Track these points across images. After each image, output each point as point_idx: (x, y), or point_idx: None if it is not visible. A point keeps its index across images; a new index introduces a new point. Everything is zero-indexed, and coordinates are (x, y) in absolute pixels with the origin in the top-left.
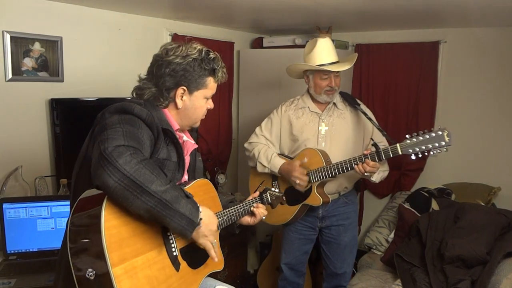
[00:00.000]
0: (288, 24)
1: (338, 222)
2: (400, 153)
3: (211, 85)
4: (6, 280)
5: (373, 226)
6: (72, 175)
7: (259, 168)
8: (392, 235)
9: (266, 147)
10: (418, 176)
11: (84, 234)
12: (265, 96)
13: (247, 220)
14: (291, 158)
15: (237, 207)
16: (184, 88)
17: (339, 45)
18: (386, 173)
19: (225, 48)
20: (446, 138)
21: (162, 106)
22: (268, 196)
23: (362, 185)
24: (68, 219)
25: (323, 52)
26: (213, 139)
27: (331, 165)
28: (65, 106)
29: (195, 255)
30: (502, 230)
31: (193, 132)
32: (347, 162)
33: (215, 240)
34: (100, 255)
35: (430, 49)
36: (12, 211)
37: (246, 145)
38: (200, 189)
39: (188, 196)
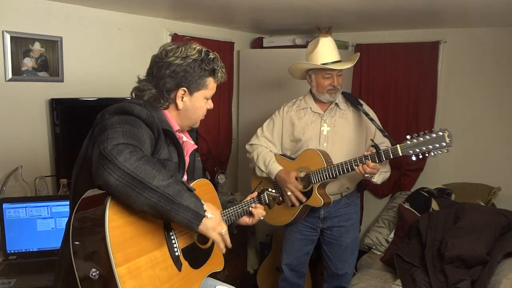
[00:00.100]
0: (288, 24)
1: (340, 223)
2: (401, 154)
3: (211, 85)
4: (6, 280)
5: (373, 226)
6: (72, 175)
7: (258, 172)
8: (392, 235)
9: (265, 150)
10: (418, 176)
11: (87, 234)
12: (265, 96)
13: (245, 220)
14: (292, 159)
15: (236, 208)
16: (185, 89)
17: (339, 45)
18: (388, 174)
19: (225, 48)
20: (447, 139)
21: (162, 108)
22: (266, 197)
23: (363, 185)
24: (69, 219)
25: (326, 51)
26: (213, 139)
27: (332, 166)
28: (65, 106)
29: (196, 255)
30: (502, 230)
31: (192, 132)
32: (348, 163)
33: (224, 229)
34: (104, 255)
35: (430, 49)
36: (12, 211)
37: (247, 146)
38: (200, 189)
39: (190, 190)
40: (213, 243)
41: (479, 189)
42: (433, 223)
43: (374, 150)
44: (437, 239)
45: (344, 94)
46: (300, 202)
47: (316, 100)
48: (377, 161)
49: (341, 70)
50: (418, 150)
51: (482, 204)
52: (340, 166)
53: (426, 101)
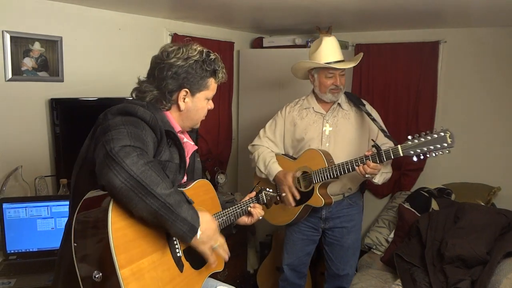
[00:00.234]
0: (288, 24)
1: (342, 224)
2: (401, 154)
3: (212, 86)
4: (6, 280)
5: (373, 226)
6: (71, 175)
7: (257, 172)
8: (392, 235)
9: (266, 151)
10: (418, 176)
11: (89, 236)
12: (265, 96)
13: (244, 220)
14: (294, 159)
15: (235, 208)
16: (187, 90)
17: (339, 45)
18: (389, 175)
19: (225, 48)
20: (449, 140)
21: (164, 109)
22: (264, 196)
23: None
24: (69, 219)
25: (329, 50)
26: (213, 139)
27: (333, 166)
28: (65, 106)
29: (197, 256)
30: (502, 230)
31: (192, 133)
32: (349, 163)
33: (216, 244)
34: (107, 258)
35: (430, 49)
36: (12, 211)
37: (249, 147)
38: (200, 189)
39: (189, 202)
40: None
41: (479, 189)
42: (433, 223)
43: (375, 151)
44: (437, 239)
45: (346, 94)
46: (298, 203)
47: (319, 100)
48: (378, 162)
49: (343, 70)
50: (419, 150)
51: (482, 204)
52: (341, 166)
53: (426, 101)
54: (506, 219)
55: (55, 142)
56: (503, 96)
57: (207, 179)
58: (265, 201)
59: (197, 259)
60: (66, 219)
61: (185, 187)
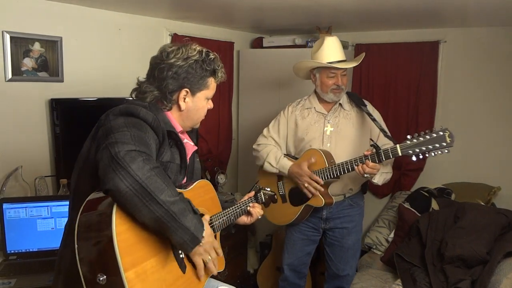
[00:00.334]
0: (288, 24)
1: (342, 225)
2: (400, 154)
3: (212, 85)
4: (6, 280)
5: (373, 226)
6: (71, 175)
7: (267, 167)
8: (392, 235)
9: (275, 149)
10: (418, 176)
11: (93, 238)
12: (265, 96)
13: (243, 219)
14: (296, 159)
15: (235, 207)
16: (187, 90)
17: None
18: (389, 175)
19: (225, 48)
20: (448, 139)
21: (166, 109)
22: (262, 196)
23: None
24: (69, 220)
25: (331, 50)
26: (213, 139)
27: (334, 166)
28: (65, 106)
29: None
30: (502, 230)
31: (193, 133)
32: (348, 163)
33: (210, 257)
34: (111, 260)
35: (430, 49)
36: (12, 211)
37: (254, 146)
38: (201, 190)
39: (195, 212)
40: None
41: (479, 189)
42: (433, 223)
43: (374, 150)
44: (437, 239)
45: (348, 94)
46: (298, 203)
47: (321, 100)
48: (377, 161)
49: (345, 69)
50: (418, 150)
51: (482, 203)
52: (340, 165)
53: (426, 101)
54: (506, 219)
55: (55, 142)
56: (503, 96)
57: (207, 179)
58: (264, 201)
59: None
60: (66, 219)
61: (186, 188)
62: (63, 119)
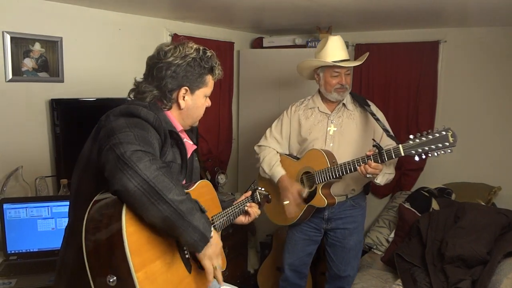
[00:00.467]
0: (288, 24)
1: (344, 226)
2: (403, 154)
3: (210, 82)
4: (7, 280)
5: (374, 226)
6: (72, 176)
7: (261, 173)
8: (392, 235)
9: (272, 153)
10: (418, 176)
11: (102, 239)
12: (265, 96)
13: (241, 219)
14: (298, 159)
15: (233, 207)
16: (186, 88)
17: None
18: (392, 176)
19: (225, 48)
20: (450, 139)
21: (165, 109)
22: (258, 195)
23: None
24: (71, 221)
25: (335, 49)
26: (213, 139)
27: (335, 166)
28: (65, 107)
29: None
30: (502, 230)
31: (193, 133)
32: (351, 163)
33: (218, 264)
34: (122, 262)
35: (430, 49)
36: (12, 212)
37: (255, 147)
38: (201, 190)
39: (202, 211)
40: None
41: (480, 189)
42: (434, 223)
43: (377, 150)
44: (437, 239)
45: (352, 94)
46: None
47: (324, 99)
48: (379, 161)
49: (349, 69)
50: (420, 150)
51: (483, 203)
52: (342, 166)
53: (426, 101)
54: (506, 219)
55: (56, 143)
56: (503, 96)
57: (207, 179)
58: (259, 200)
59: None
60: (66, 219)
61: (187, 188)
62: (63, 119)
